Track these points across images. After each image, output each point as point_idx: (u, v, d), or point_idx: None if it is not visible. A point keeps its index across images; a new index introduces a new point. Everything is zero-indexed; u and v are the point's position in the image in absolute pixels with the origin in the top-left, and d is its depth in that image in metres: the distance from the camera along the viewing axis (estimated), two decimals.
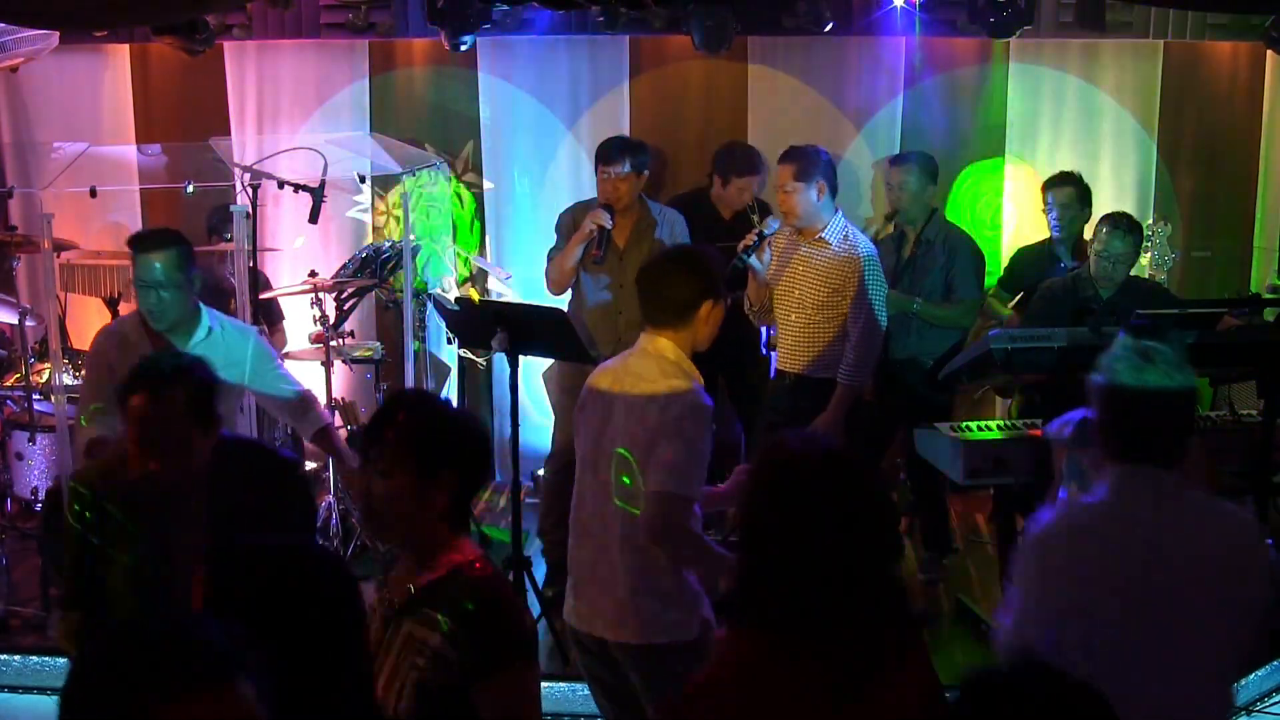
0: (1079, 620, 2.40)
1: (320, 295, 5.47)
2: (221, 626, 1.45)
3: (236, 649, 1.41)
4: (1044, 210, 5.76)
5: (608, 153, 5.12)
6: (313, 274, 5.62)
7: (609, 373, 3.25)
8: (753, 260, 4.72)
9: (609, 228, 5.03)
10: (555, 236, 5.30)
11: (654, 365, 3.15)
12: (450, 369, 6.47)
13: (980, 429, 4.61)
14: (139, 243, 3.93)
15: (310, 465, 6.19)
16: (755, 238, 4.71)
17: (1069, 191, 5.65)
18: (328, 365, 5.44)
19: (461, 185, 6.66)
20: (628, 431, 3.12)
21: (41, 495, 5.29)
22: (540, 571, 5.09)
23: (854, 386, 4.72)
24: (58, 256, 5.74)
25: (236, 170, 5.40)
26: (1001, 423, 4.90)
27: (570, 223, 5.20)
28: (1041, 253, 5.78)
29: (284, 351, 6.00)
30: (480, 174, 6.63)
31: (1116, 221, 4.96)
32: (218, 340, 3.93)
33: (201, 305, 4.02)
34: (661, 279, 3.22)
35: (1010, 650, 2.48)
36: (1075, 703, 1.61)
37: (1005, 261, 6.15)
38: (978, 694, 1.64)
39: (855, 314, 4.70)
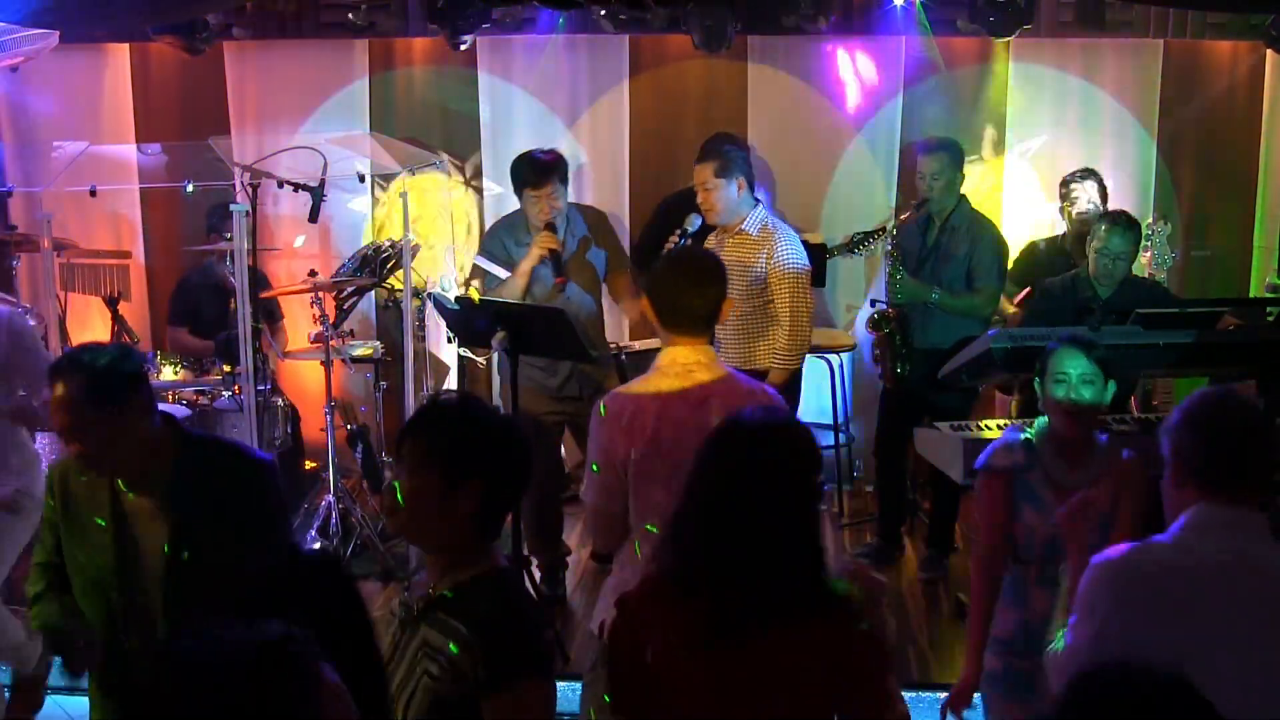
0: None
1: (320, 294, 5.47)
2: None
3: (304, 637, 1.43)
4: (1059, 209, 5.77)
5: (536, 176, 4.98)
6: (312, 273, 5.61)
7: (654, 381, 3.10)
8: None
9: (560, 249, 4.99)
10: (485, 261, 5.15)
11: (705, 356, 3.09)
12: (450, 368, 6.48)
13: (980, 428, 4.61)
14: None
15: (309, 465, 6.20)
16: (678, 238, 4.72)
17: (1089, 188, 5.67)
18: (327, 364, 5.44)
19: (470, 190, 6.67)
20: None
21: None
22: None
23: (786, 370, 4.76)
24: (58, 256, 5.74)
25: (236, 169, 5.41)
26: (1002, 422, 4.90)
27: (503, 248, 5.12)
28: (1052, 248, 5.79)
29: (284, 350, 6.01)
30: (481, 175, 6.64)
31: (1116, 219, 4.95)
32: None
33: None
34: (684, 294, 3.10)
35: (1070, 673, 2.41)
36: (1181, 703, 1.58)
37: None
38: (1083, 694, 1.62)
39: (780, 303, 4.72)
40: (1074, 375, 3.27)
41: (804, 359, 4.89)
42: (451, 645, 2.17)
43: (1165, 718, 1.56)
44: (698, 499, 2.29)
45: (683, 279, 3.11)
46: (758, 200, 4.89)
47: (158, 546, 2.83)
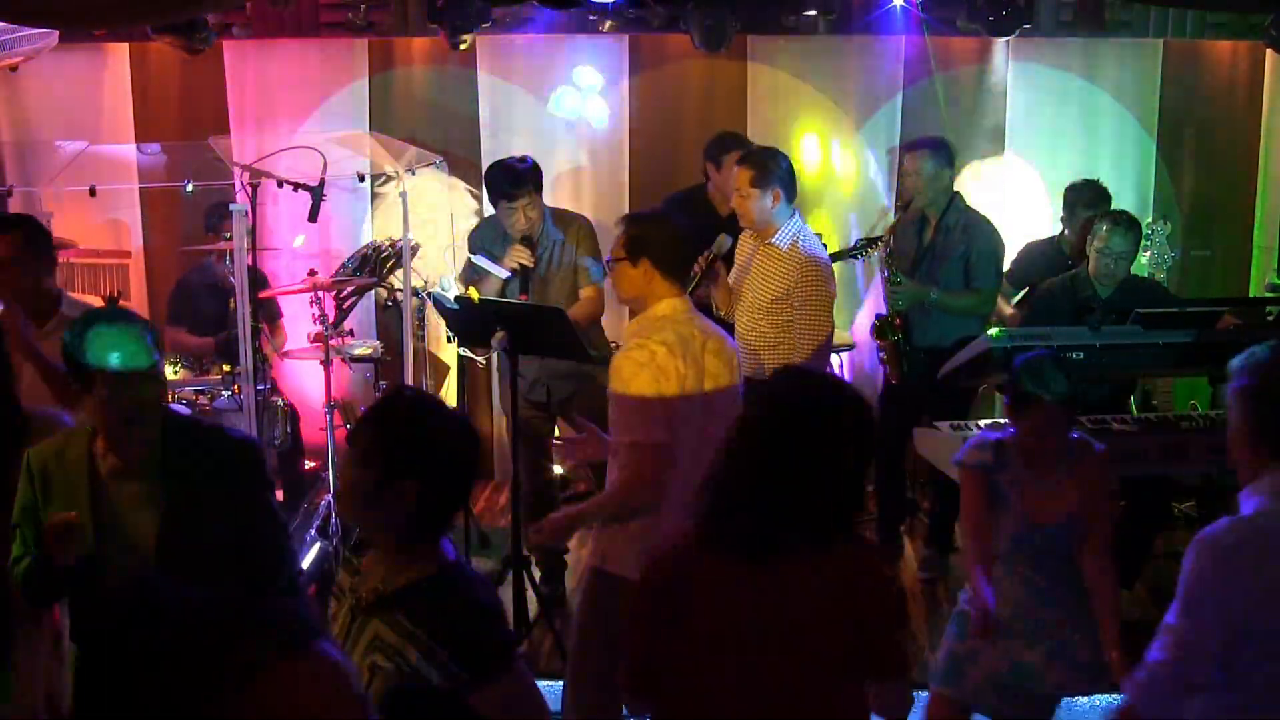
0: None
1: (319, 294, 5.47)
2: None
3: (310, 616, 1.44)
4: (1061, 218, 5.75)
5: (507, 186, 4.95)
6: (312, 273, 5.61)
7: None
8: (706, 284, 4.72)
9: (531, 265, 4.97)
10: (484, 260, 5.13)
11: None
12: (450, 368, 6.48)
13: (980, 428, 4.61)
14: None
15: (309, 465, 6.20)
16: (705, 262, 4.61)
17: (1089, 198, 5.62)
18: (327, 364, 5.44)
19: (465, 187, 6.67)
20: None
21: None
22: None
23: (810, 352, 4.68)
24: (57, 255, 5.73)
25: (236, 169, 5.40)
26: (1002, 422, 4.90)
27: (484, 249, 5.12)
28: (1049, 248, 5.79)
29: (284, 350, 6.01)
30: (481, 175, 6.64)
31: (1117, 219, 4.95)
32: None
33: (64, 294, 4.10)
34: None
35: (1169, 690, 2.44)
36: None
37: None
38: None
39: (799, 318, 4.65)
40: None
41: (825, 348, 4.76)
42: (412, 651, 2.18)
43: None
44: (750, 447, 2.41)
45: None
46: (794, 212, 4.78)
47: (146, 531, 2.80)
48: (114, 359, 2.69)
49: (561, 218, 5.21)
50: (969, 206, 5.50)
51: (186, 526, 2.79)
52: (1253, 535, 2.38)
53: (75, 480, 2.84)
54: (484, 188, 5.11)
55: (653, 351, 3.36)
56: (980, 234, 5.37)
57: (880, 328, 5.49)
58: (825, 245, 5.03)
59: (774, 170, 4.70)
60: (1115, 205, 5.65)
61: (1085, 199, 5.64)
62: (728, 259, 4.87)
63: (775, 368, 4.61)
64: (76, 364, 2.71)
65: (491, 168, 5.12)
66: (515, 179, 4.96)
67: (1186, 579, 2.41)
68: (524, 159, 5.10)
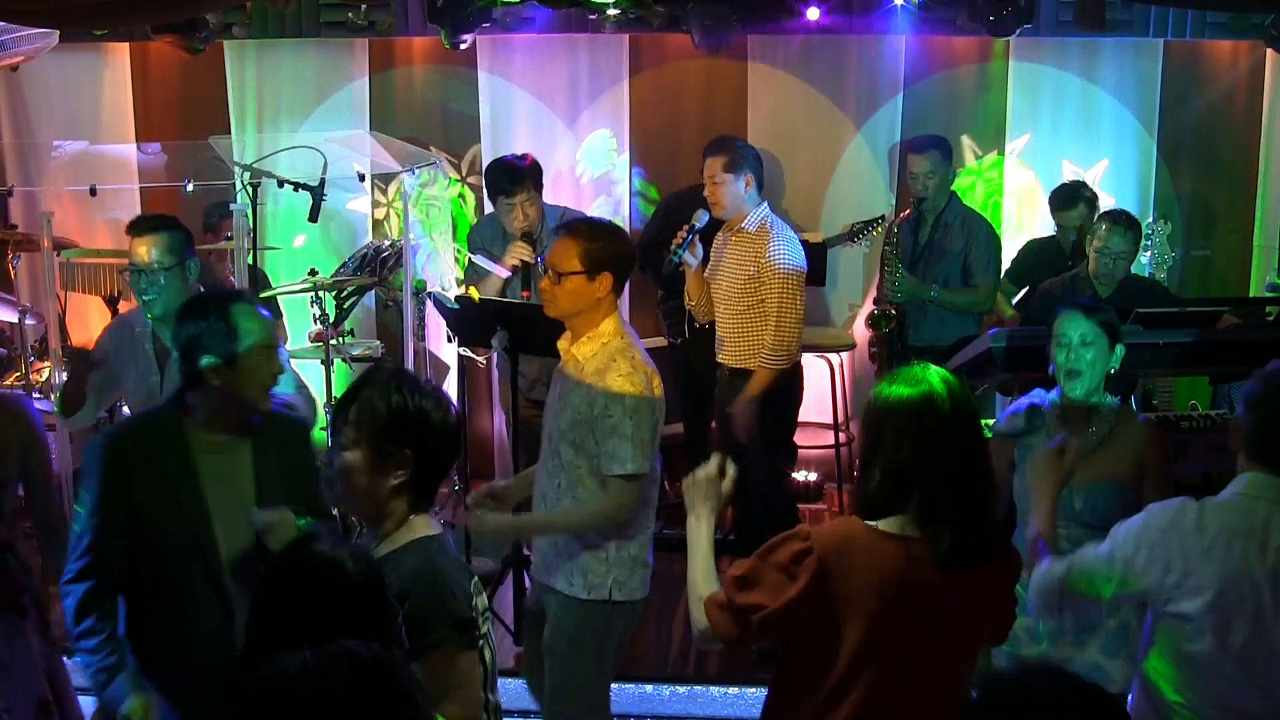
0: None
1: (320, 294, 5.47)
2: None
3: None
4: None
5: (506, 183, 4.99)
6: (312, 272, 5.61)
7: None
8: (686, 255, 4.77)
9: (532, 262, 4.98)
10: (483, 259, 5.16)
11: None
12: (450, 367, 6.47)
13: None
14: (133, 226, 3.88)
15: None
16: (686, 233, 4.74)
17: (1082, 211, 5.64)
18: (327, 364, 5.43)
19: (466, 186, 6.67)
20: None
21: None
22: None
23: (773, 370, 4.74)
24: (57, 255, 5.74)
25: (236, 169, 5.40)
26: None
27: (484, 247, 5.14)
28: (1050, 247, 5.79)
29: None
30: (481, 174, 6.64)
31: (1116, 218, 4.96)
32: None
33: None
34: None
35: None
36: (1093, 707, 1.64)
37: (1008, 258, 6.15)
38: (996, 698, 1.69)
39: (769, 299, 4.69)
40: (1074, 338, 3.41)
41: (792, 360, 4.82)
42: None
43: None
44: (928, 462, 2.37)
45: None
46: (763, 200, 4.88)
47: (249, 501, 2.85)
48: (260, 333, 2.86)
49: (563, 216, 5.21)
50: (966, 205, 5.53)
51: (276, 495, 2.86)
52: (1197, 518, 2.54)
53: (177, 462, 2.87)
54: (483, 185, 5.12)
55: (646, 374, 3.35)
56: (979, 231, 5.42)
57: (877, 318, 5.50)
58: (808, 245, 5.07)
59: (745, 156, 4.77)
60: (1116, 205, 5.66)
61: (1056, 202, 5.76)
62: (708, 233, 4.90)
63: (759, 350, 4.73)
64: (219, 348, 2.81)
65: (492, 164, 5.16)
66: (513, 175, 5.00)
67: (1126, 534, 2.62)
68: (524, 156, 5.14)
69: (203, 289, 3.91)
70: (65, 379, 4.14)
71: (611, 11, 5.74)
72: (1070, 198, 5.73)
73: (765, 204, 4.87)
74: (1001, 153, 6.52)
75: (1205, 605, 2.49)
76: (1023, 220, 6.46)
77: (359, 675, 1.50)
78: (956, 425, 2.35)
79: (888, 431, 2.36)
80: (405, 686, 1.57)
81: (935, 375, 2.39)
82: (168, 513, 2.85)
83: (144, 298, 3.79)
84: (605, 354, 3.36)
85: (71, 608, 2.85)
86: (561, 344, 3.50)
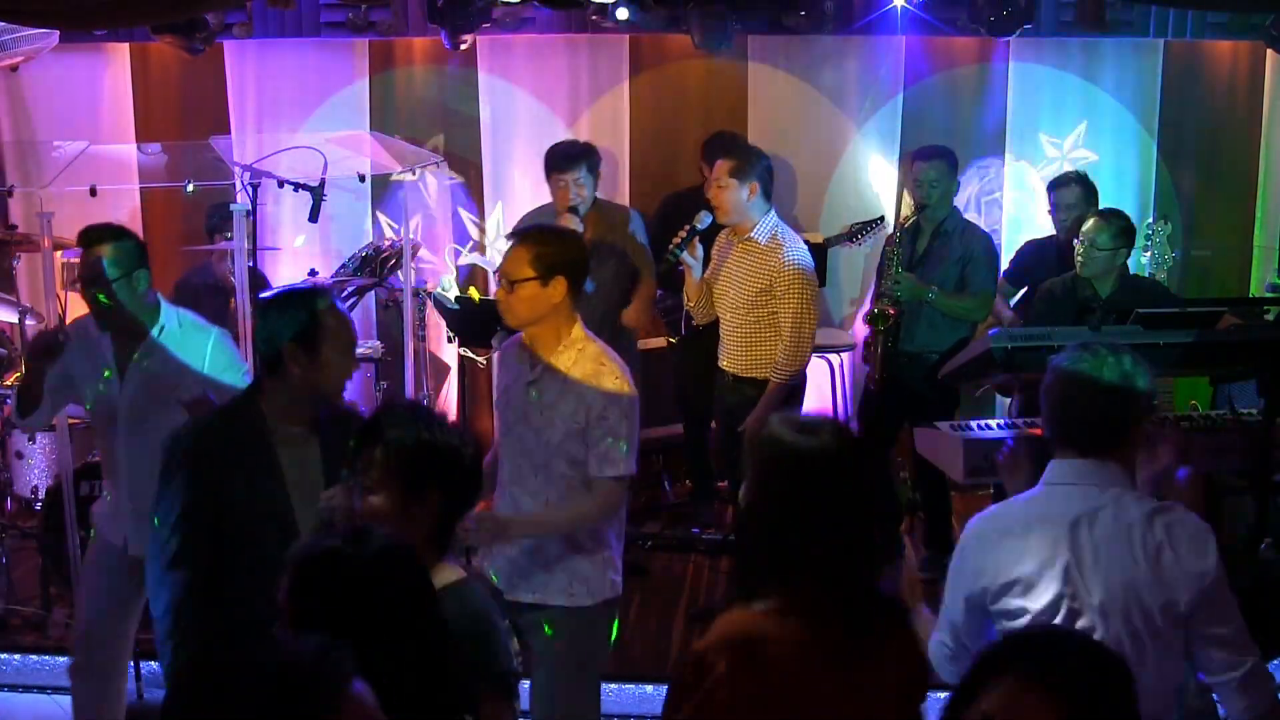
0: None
1: None
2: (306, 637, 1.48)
3: (337, 654, 1.43)
4: (1048, 211, 5.76)
5: (563, 161, 5.18)
6: (313, 273, 5.61)
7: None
8: (685, 255, 4.76)
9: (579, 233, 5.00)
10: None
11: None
12: (450, 368, 6.48)
13: (980, 427, 4.60)
14: (81, 237, 3.82)
15: None
16: (686, 233, 4.74)
17: (1075, 191, 5.65)
18: None
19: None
20: None
21: (42, 494, 5.28)
22: None
23: (784, 384, 4.72)
24: (58, 255, 5.73)
25: (236, 169, 5.39)
26: (997, 423, 4.90)
27: None
28: (1050, 247, 5.79)
29: None
30: (481, 174, 6.64)
31: (1107, 217, 5.00)
32: (173, 337, 3.83)
33: (162, 301, 3.93)
34: None
35: (941, 660, 2.74)
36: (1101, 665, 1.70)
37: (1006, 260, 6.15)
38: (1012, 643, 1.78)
39: (783, 312, 4.68)
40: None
41: (803, 372, 4.82)
42: None
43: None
44: (770, 540, 2.17)
45: None
46: (771, 208, 4.82)
47: (312, 485, 2.86)
48: (342, 330, 2.94)
49: (606, 207, 5.34)
50: (963, 215, 5.56)
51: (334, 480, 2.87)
52: (992, 520, 2.64)
53: (238, 447, 2.90)
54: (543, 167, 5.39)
55: (628, 373, 3.37)
56: (976, 239, 5.43)
57: (875, 316, 5.50)
58: (810, 245, 5.06)
59: (754, 164, 4.73)
60: (1115, 205, 5.66)
61: (1052, 184, 5.77)
62: (709, 235, 4.89)
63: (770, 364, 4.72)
64: (304, 342, 2.86)
65: (552, 146, 5.36)
66: (568, 154, 5.22)
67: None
68: (585, 143, 5.44)
69: (188, 293, 3.91)
70: (22, 376, 4.05)
71: (620, 12, 5.74)
72: (1064, 179, 5.76)
73: (774, 213, 4.81)
74: (1001, 153, 6.49)
75: (1025, 593, 2.54)
76: (1022, 221, 6.47)
77: (285, 685, 1.40)
78: (847, 484, 2.15)
79: (775, 483, 2.17)
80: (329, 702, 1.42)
81: (830, 428, 2.21)
82: (254, 508, 2.87)
83: (92, 308, 3.76)
84: (587, 359, 3.34)
85: (164, 610, 2.89)
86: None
